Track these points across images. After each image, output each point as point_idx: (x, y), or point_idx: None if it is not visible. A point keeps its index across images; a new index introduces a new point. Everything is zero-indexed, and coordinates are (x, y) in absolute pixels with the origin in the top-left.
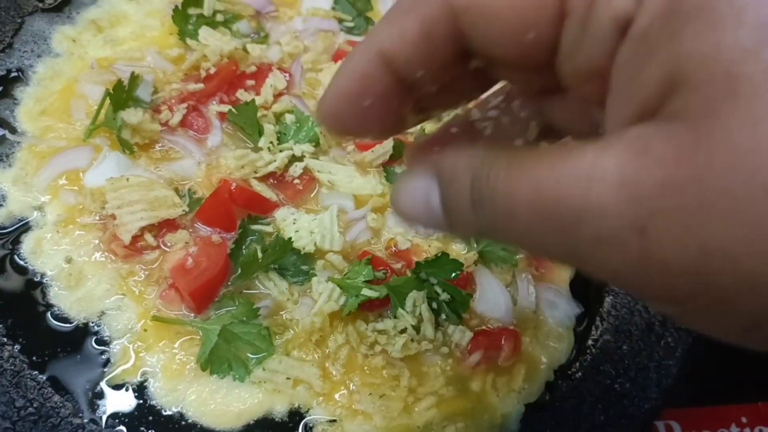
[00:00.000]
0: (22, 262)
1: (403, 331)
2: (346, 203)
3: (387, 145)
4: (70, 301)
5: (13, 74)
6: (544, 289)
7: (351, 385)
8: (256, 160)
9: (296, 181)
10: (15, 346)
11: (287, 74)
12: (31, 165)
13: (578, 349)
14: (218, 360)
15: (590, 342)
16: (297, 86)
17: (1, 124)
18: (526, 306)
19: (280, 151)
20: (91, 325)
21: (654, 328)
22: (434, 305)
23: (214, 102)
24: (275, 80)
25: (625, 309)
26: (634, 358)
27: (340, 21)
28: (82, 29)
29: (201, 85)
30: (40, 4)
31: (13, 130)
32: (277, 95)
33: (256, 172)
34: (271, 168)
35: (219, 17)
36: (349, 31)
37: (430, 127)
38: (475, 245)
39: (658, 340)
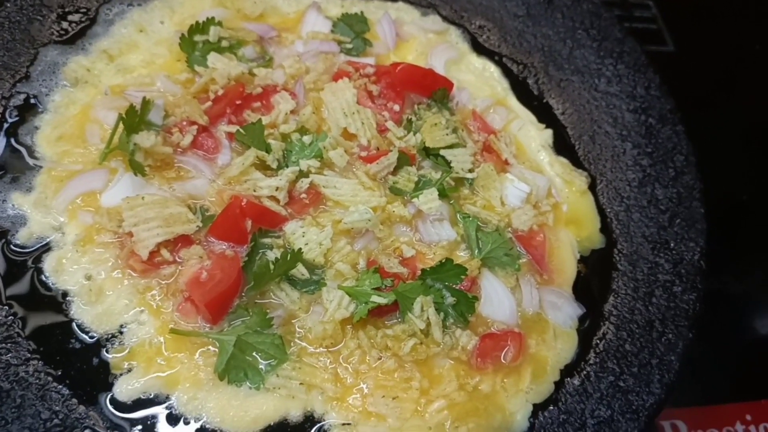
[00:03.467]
0: (45, 280)
1: (413, 335)
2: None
3: (392, 157)
4: (91, 315)
5: (32, 101)
6: (547, 292)
7: (364, 388)
8: (259, 180)
9: (303, 195)
10: (40, 362)
11: (292, 94)
12: (50, 188)
13: (583, 349)
14: (235, 369)
15: (594, 341)
16: (300, 105)
17: (22, 150)
18: (530, 308)
19: (287, 166)
20: (113, 338)
21: (654, 326)
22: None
23: (223, 123)
24: (285, 103)
25: (626, 309)
26: (636, 355)
27: (339, 43)
28: (95, 59)
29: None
30: (54, 36)
31: (33, 155)
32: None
33: (254, 191)
34: (271, 193)
35: (224, 43)
36: (348, 52)
37: (429, 139)
38: (478, 252)
39: (659, 337)
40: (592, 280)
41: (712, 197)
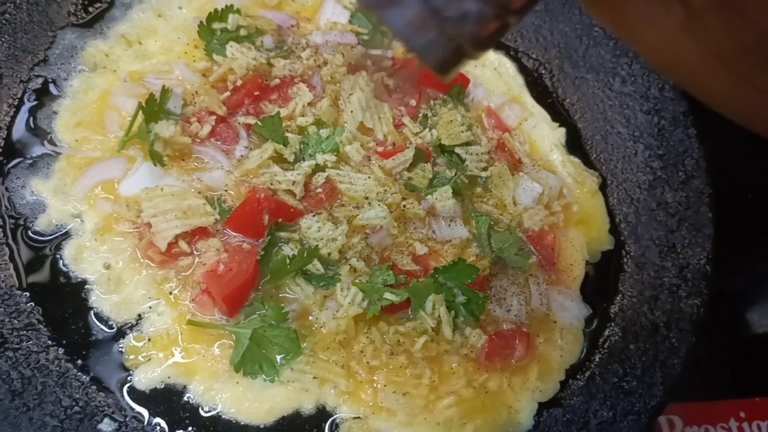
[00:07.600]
0: (64, 268)
1: (424, 332)
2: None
3: (408, 153)
4: (110, 304)
5: (50, 86)
6: (555, 292)
7: (376, 384)
8: (276, 174)
9: (319, 190)
10: (59, 349)
11: (310, 86)
12: (69, 175)
13: (588, 350)
14: (250, 362)
15: (600, 342)
16: (317, 97)
17: (40, 135)
18: (538, 308)
19: (303, 160)
20: (131, 327)
21: (659, 329)
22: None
23: (241, 113)
24: (303, 95)
25: (632, 311)
26: (640, 357)
27: (357, 34)
28: (113, 43)
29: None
30: (72, 19)
31: (51, 141)
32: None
33: (271, 185)
34: (287, 186)
35: (243, 32)
36: (365, 44)
37: (444, 135)
38: (489, 251)
39: (663, 340)
40: (600, 281)
41: (718, 195)
